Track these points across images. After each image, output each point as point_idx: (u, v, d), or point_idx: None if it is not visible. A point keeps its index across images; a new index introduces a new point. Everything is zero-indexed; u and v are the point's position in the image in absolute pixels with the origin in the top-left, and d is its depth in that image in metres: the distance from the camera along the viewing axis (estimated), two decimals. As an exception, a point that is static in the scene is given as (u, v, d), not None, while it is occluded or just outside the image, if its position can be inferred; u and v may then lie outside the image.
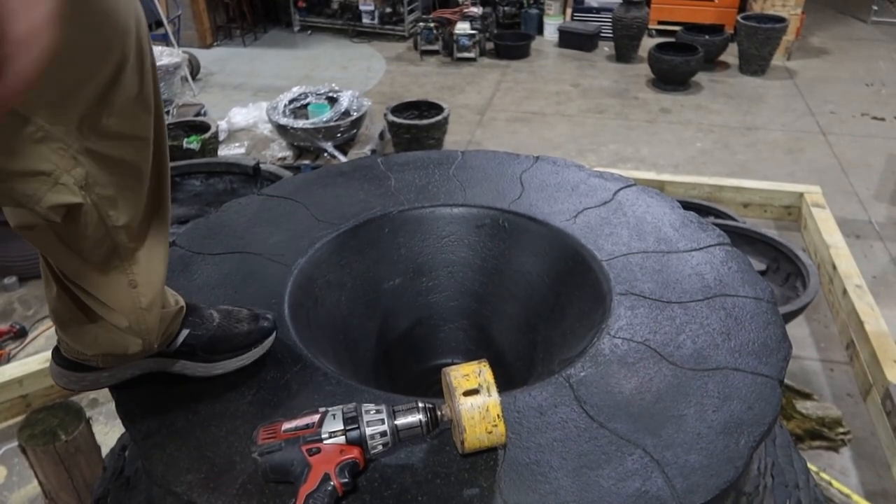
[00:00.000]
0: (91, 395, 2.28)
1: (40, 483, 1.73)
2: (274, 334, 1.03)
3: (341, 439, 0.80)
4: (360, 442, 0.81)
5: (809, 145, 4.05)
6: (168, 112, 4.25)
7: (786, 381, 0.99)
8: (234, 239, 1.31)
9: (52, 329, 2.81)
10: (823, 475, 1.82)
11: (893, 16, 6.25)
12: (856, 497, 1.77)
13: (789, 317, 2.21)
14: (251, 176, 2.97)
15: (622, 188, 1.43)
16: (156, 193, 0.87)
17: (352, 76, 5.19)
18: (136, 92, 0.76)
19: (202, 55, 5.37)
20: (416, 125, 3.60)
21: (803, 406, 2.10)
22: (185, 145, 3.40)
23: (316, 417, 0.82)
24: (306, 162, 3.58)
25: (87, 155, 0.73)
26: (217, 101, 4.66)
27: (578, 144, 4.09)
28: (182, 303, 0.97)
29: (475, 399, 0.80)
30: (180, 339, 0.96)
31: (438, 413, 0.83)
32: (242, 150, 3.84)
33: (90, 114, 0.72)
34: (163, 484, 0.84)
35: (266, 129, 3.94)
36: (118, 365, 0.94)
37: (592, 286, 1.18)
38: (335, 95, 3.80)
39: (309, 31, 6.26)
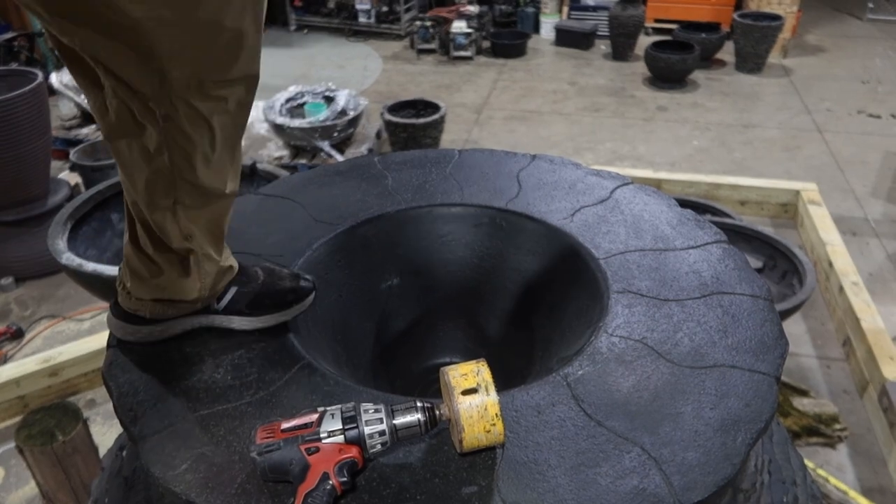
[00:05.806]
0: (88, 395, 2.28)
1: (38, 484, 1.73)
2: (313, 294, 1.10)
3: (340, 438, 0.80)
4: (359, 441, 0.81)
5: (806, 143, 4.06)
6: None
7: (783, 378, 0.99)
8: (232, 239, 1.29)
9: (49, 330, 2.81)
10: (820, 471, 1.83)
11: (889, 13, 6.27)
12: (853, 493, 1.78)
13: (786, 314, 2.21)
14: (248, 175, 2.96)
15: (619, 186, 1.44)
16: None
17: (348, 75, 5.19)
18: None
19: (198, 54, 5.36)
20: (413, 124, 3.60)
21: (800, 403, 2.10)
22: (181, 145, 3.39)
23: (314, 417, 0.82)
24: (303, 161, 3.58)
25: None
26: (213, 100, 4.65)
27: (575, 143, 4.09)
28: (235, 264, 1.06)
29: (473, 398, 0.80)
30: (228, 296, 1.03)
31: (437, 412, 0.83)
32: (239, 150, 3.83)
33: None
34: (161, 484, 0.84)
35: (263, 128, 3.93)
36: (167, 317, 1.01)
37: (590, 284, 1.18)
38: (332, 94, 3.79)
39: (305, 30, 6.25)
